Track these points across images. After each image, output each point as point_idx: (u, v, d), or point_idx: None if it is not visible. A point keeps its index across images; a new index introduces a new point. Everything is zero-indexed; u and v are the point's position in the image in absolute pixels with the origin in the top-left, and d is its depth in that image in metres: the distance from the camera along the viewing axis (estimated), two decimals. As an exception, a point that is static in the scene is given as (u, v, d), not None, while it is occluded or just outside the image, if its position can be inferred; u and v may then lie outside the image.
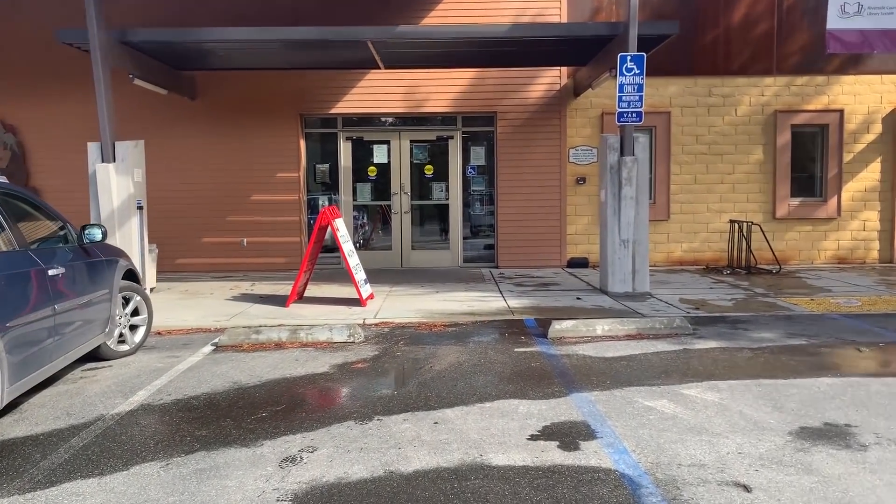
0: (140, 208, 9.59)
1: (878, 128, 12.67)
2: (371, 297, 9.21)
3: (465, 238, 13.07)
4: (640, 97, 9.15)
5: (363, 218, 13.30)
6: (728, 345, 6.52)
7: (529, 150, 12.56)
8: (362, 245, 13.14)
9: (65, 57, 11.07)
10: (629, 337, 6.88)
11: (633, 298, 9.12)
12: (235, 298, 9.55)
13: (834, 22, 9.09)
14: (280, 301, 9.09)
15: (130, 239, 9.37)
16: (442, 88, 12.53)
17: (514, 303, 8.88)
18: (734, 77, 12.65)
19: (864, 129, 12.70)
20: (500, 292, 9.80)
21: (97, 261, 6.02)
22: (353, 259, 8.96)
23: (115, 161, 9.25)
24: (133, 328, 6.71)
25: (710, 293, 9.52)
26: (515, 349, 6.47)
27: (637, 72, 9.10)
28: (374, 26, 9.87)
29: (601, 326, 6.98)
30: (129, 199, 9.37)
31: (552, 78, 12.54)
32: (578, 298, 9.18)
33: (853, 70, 12.62)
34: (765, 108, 12.68)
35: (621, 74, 9.11)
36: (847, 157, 12.73)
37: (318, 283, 10.81)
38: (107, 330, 6.11)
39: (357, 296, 8.82)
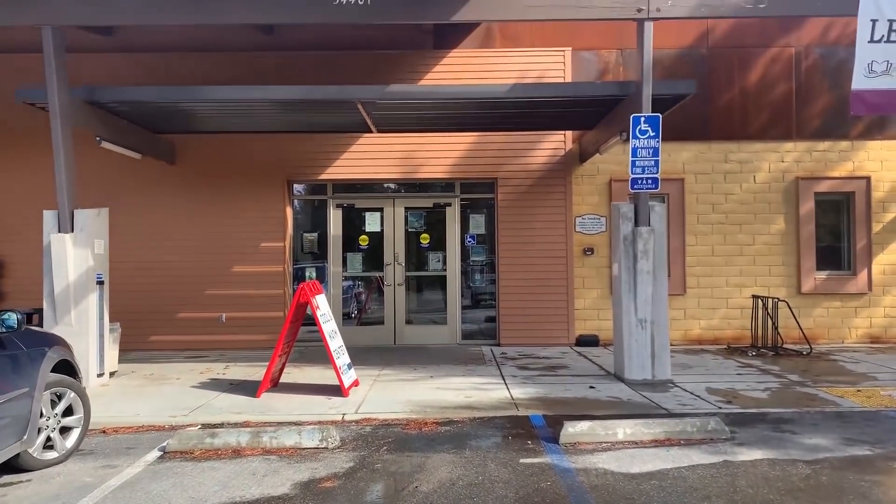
0: (100, 283, 8.61)
1: (907, 196, 11.80)
2: (355, 384, 8.12)
3: (463, 312, 12.04)
4: (656, 162, 8.28)
5: (354, 290, 12.31)
6: (777, 455, 5.40)
7: (533, 218, 11.65)
8: (354, 319, 12.10)
9: (32, 115, 10.28)
10: (656, 443, 5.77)
11: (654, 388, 8.02)
12: (203, 385, 8.45)
13: (860, 82, 8.28)
14: (252, 389, 7.99)
15: (87, 318, 8.37)
16: (439, 153, 11.72)
17: (519, 392, 7.78)
18: (751, 142, 11.85)
19: (893, 198, 11.80)
20: (503, 377, 8.71)
21: (13, 353, 5.00)
22: (334, 341, 7.91)
23: (73, 231, 8.33)
24: (65, 430, 5.64)
25: (739, 381, 8.41)
26: (521, 460, 5.36)
27: (652, 134, 8.24)
28: (365, 85, 9.09)
29: (622, 430, 5.87)
30: (87, 273, 8.40)
31: (556, 143, 11.74)
32: (591, 387, 8.08)
33: (879, 135, 11.81)
34: (785, 175, 11.82)
35: (634, 137, 8.26)
36: (876, 228, 11.79)
37: (300, 364, 9.73)
38: (25, 437, 5.04)
39: (339, 383, 7.73)
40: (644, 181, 8.29)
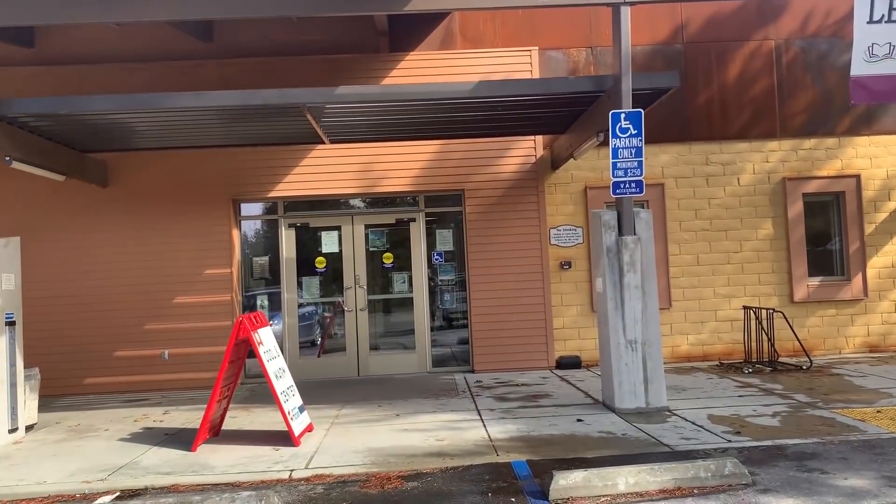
0: (10, 324, 7.44)
1: (899, 194, 11.11)
2: (309, 429, 7.05)
3: (434, 335, 11.01)
4: (640, 163, 7.40)
5: (312, 319, 11.23)
6: (813, 505, 4.48)
7: (504, 231, 10.71)
8: (314, 349, 11.01)
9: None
10: (665, 494, 4.81)
11: (649, 417, 7.08)
12: (134, 437, 7.30)
13: (860, 67, 7.54)
14: (189, 440, 6.85)
15: (-6, 364, 7.19)
16: (400, 165, 10.75)
17: (497, 430, 6.77)
18: (734, 142, 11.08)
19: (884, 196, 11.11)
20: (478, 412, 7.70)
21: None
22: (282, 381, 6.84)
23: (-27, 264, 7.17)
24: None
25: (742, 405, 7.51)
26: (504, 527, 4.36)
27: (634, 132, 7.37)
28: (310, 88, 8.08)
29: (624, 479, 4.89)
30: (-8, 313, 7.24)
31: (526, 150, 10.84)
32: (579, 420, 7.11)
33: (867, 130, 11.12)
34: (771, 176, 11.06)
35: (615, 136, 7.38)
36: (869, 229, 11.06)
37: (249, 405, 8.64)
38: None
39: (287, 430, 6.64)
40: (627, 185, 7.40)
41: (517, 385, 9.34)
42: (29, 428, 7.76)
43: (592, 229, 7.89)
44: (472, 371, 10.65)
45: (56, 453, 6.78)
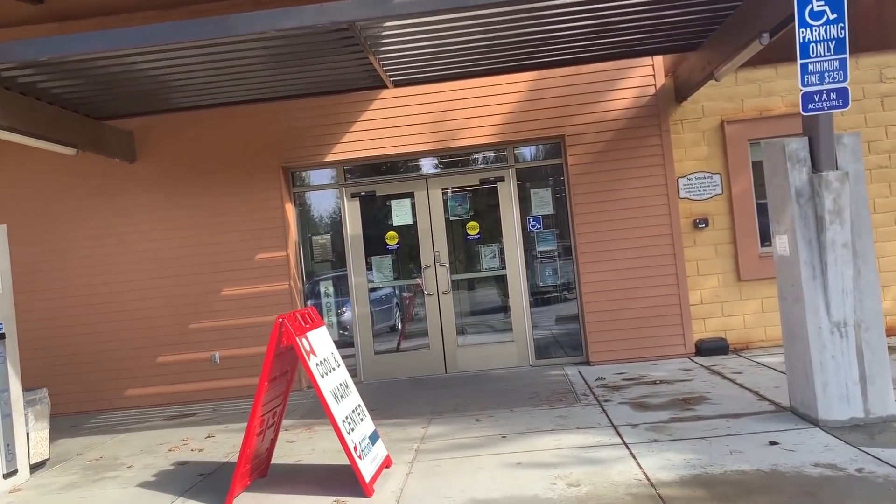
0: (-1, 336, 5.77)
1: None
2: (386, 464, 5.10)
3: (535, 318, 8.88)
4: (843, 62, 5.02)
5: (390, 302, 9.33)
6: None
7: (619, 185, 8.46)
8: (391, 341, 9.11)
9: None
10: None
11: (875, 435, 4.80)
12: (159, 480, 5.54)
13: None
14: (226, 483, 5.02)
15: (-22, 391, 5.54)
16: (482, 111, 8.61)
17: (656, 465, 4.63)
18: (919, 48, 8.42)
19: None
20: (615, 429, 5.58)
21: None
22: (345, 404, 4.89)
23: (-58, 263, 5.51)
24: None
25: None
26: None
27: (832, 16, 5.00)
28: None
29: None
30: (-29, 325, 5.58)
31: (643, 78, 8.50)
32: (774, 444, 4.87)
33: None
34: (973, 90, 8.36)
35: (803, 26, 5.02)
36: None
37: (312, 421, 6.79)
38: None
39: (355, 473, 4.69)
40: (825, 96, 5.04)
41: (654, 382, 7.14)
42: (38, 466, 6.12)
43: (769, 167, 5.55)
44: (588, 362, 8.51)
45: (55, 509, 5.08)
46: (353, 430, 4.78)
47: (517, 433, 5.73)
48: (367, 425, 5.10)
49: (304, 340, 4.75)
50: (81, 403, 8.71)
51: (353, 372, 8.87)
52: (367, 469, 4.68)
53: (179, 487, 5.25)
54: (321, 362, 4.85)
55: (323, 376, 4.76)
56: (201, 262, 8.74)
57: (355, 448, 4.67)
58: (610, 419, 5.89)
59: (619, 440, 5.27)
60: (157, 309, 8.75)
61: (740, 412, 5.73)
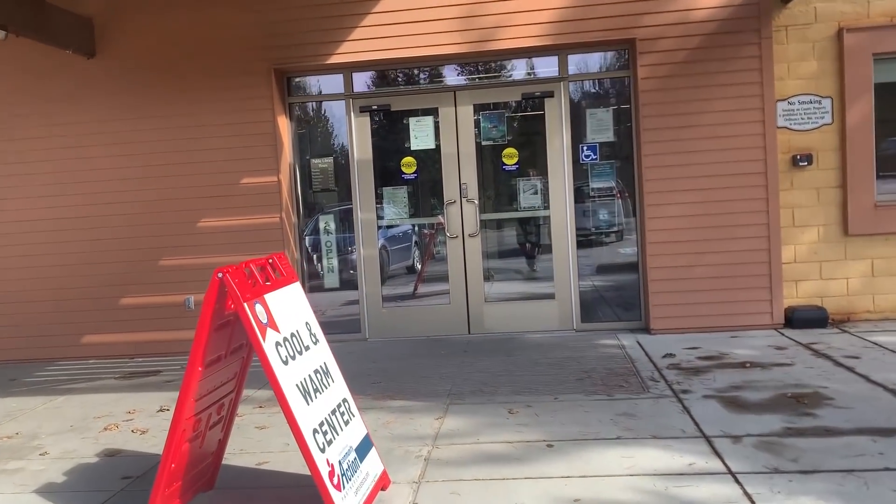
0: None
1: None
2: (383, 485, 3.50)
3: (582, 273, 7.19)
4: None
5: (408, 240, 7.71)
6: None
7: (701, 107, 6.59)
8: (408, 280, 7.52)
9: None
10: None
11: None
12: (68, 481, 4.02)
13: None
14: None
15: None
16: (530, 2, 6.73)
17: (790, 521, 2.98)
18: None
19: None
20: (707, 441, 3.92)
21: None
22: (319, 405, 3.24)
23: None
24: None
25: None
26: None
27: None
28: None
29: None
30: None
31: (740, -32, 6.54)
32: (974, 496, 3.19)
33: None
34: None
35: None
36: None
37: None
38: None
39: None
40: None
41: (742, 365, 5.45)
42: (-71, 444, 4.64)
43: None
44: (647, 330, 6.83)
45: (-88, 523, 3.59)
46: (331, 442, 3.17)
47: (568, 440, 4.10)
48: (355, 430, 3.49)
49: (257, 306, 3.10)
50: (31, 350, 7.28)
51: (355, 327, 7.30)
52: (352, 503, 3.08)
53: (89, 500, 3.72)
54: (285, 340, 3.20)
55: (286, 362, 3.12)
56: (174, 186, 7.11)
57: (332, 472, 3.06)
58: (697, 424, 4.23)
59: (720, 464, 3.62)
60: (121, 241, 7.17)
61: (886, 426, 4.03)
